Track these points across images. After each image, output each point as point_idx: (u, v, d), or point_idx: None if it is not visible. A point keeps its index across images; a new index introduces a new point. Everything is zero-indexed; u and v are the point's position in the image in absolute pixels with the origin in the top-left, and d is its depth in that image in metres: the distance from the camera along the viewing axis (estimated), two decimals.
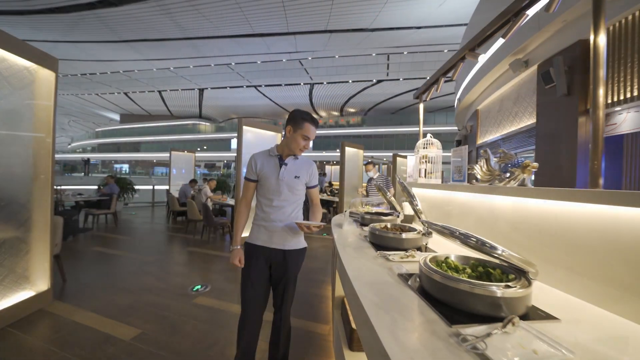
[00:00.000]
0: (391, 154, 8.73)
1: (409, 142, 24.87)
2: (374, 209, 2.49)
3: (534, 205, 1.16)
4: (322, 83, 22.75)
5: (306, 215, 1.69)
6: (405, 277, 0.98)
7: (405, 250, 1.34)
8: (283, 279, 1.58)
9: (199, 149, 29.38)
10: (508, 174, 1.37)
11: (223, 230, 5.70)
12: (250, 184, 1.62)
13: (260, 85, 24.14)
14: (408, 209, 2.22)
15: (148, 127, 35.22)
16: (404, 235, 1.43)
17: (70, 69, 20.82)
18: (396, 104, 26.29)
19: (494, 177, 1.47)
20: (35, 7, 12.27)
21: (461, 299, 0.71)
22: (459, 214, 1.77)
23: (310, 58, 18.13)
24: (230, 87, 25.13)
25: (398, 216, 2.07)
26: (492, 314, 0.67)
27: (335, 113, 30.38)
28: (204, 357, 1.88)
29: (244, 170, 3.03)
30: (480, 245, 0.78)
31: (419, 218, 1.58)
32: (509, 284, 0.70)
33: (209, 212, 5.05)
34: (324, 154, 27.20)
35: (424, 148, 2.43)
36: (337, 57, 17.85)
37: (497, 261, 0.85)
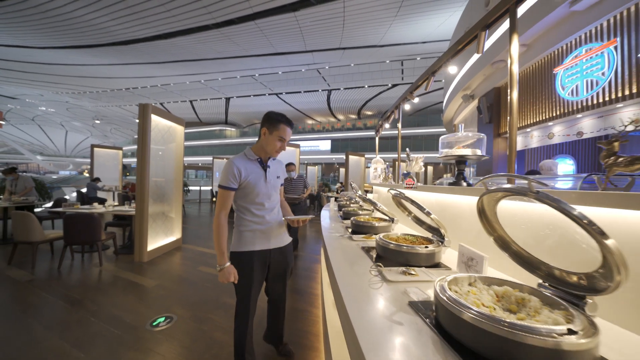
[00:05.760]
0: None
1: (426, 143, 25.16)
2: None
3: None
4: (339, 89, 24.19)
5: None
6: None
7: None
8: (282, 273, 1.65)
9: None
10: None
11: None
12: (230, 193, 1.48)
13: (281, 93, 26.18)
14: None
15: None
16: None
17: (117, 84, 24.16)
18: (414, 106, 26.44)
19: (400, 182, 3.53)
20: (102, 42, 15.35)
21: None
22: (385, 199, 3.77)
23: (327, 67, 19.78)
24: (254, 96, 27.38)
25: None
26: None
27: (353, 116, 31.18)
28: None
29: None
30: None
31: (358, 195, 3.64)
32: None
33: None
34: (339, 156, 28.08)
35: (376, 163, 4.47)
36: (352, 65, 19.30)
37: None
